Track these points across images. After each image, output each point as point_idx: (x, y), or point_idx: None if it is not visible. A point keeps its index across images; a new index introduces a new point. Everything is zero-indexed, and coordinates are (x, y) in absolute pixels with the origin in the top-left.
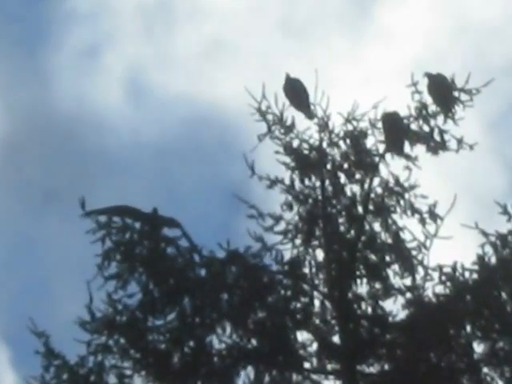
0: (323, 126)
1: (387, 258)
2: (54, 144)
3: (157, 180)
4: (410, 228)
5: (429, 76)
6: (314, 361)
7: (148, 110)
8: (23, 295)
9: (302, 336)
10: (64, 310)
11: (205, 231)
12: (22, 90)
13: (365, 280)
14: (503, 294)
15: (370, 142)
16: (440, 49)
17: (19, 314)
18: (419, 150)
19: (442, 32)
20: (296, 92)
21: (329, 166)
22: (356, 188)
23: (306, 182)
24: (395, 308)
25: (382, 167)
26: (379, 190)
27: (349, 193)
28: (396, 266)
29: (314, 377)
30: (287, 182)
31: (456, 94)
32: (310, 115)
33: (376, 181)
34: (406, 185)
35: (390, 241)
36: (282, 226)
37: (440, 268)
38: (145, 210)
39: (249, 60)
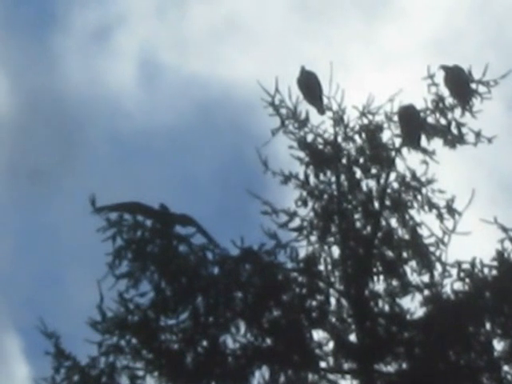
0: (338, 120)
1: (404, 255)
2: (66, 129)
3: (169, 166)
4: (428, 223)
5: (445, 68)
6: (331, 360)
7: (161, 93)
8: (35, 286)
9: (318, 335)
10: (74, 309)
11: (219, 220)
12: (33, 73)
13: (382, 277)
14: None
15: (386, 136)
16: (458, 28)
17: (31, 305)
18: (436, 143)
19: (460, 11)
20: (310, 86)
21: (344, 161)
22: (372, 183)
23: (321, 177)
24: (413, 305)
25: (398, 161)
26: (396, 185)
27: (365, 188)
28: (413, 263)
29: (331, 376)
30: (301, 177)
31: (473, 86)
32: (321, 110)
33: (392, 175)
34: (423, 179)
35: (407, 237)
36: (296, 223)
37: (458, 264)
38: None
39: (264, 41)
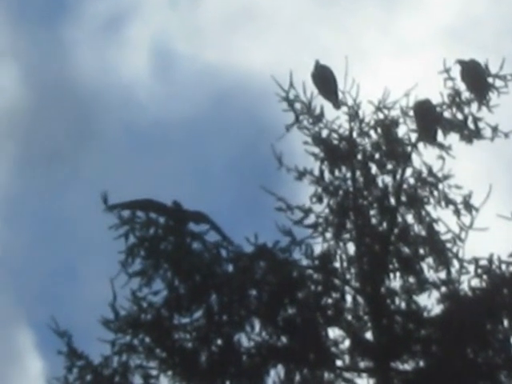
0: (353, 115)
1: (421, 251)
2: (79, 120)
3: (183, 157)
4: (445, 219)
5: (462, 63)
6: (347, 358)
7: (174, 84)
8: (49, 280)
9: (334, 333)
10: (88, 302)
11: (232, 215)
12: (46, 64)
13: (398, 274)
14: None
15: (401, 131)
16: (475, 17)
17: (44, 300)
18: (453, 138)
19: None
20: (324, 80)
21: (359, 157)
22: (388, 179)
23: (336, 173)
24: (430, 303)
25: (414, 157)
26: (412, 181)
27: (380, 184)
28: (430, 259)
29: (347, 375)
30: (316, 173)
31: (490, 80)
32: (337, 105)
33: (408, 171)
34: (440, 175)
35: (423, 233)
36: (311, 219)
37: (476, 261)
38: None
39: (278, 30)
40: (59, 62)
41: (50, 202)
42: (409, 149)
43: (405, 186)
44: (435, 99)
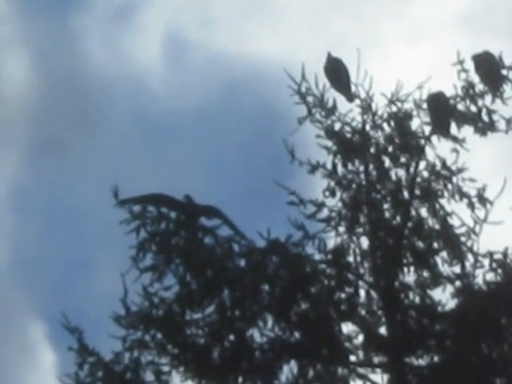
0: (366, 108)
1: (435, 245)
2: (90, 109)
3: (195, 147)
4: (459, 213)
5: (475, 57)
6: (360, 354)
7: (187, 72)
8: (60, 272)
9: (348, 328)
10: (100, 294)
11: (244, 208)
12: (56, 52)
13: (412, 268)
14: None
15: (415, 124)
16: (490, 1)
17: (56, 291)
18: (467, 131)
19: None
20: (337, 73)
21: (372, 150)
22: (401, 172)
23: (349, 166)
24: (444, 297)
25: (428, 150)
26: (425, 174)
27: (394, 177)
28: (444, 253)
29: (361, 370)
30: (329, 166)
31: (504, 72)
32: (350, 98)
33: (422, 164)
34: (454, 168)
35: (437, 227)
36: (324, 213)
37: (490, 254)
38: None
39: (292, 18)
40: (70, 50)
41: (61, 192)
42: (422, 142)
43: (418, 180)
44: (450, 86)
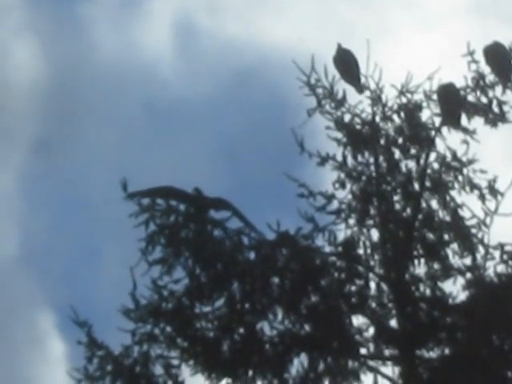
0: (376, 100)
1: (446, 237)
2: (99, 97)
3: (204, 136)
4: (469, 205)
5: (486, 48)
6: (371, 346)
7: (196, 60)
8: (70, 262)
9: (358, 320)
10: (109, 285)
11: (254, 199)
12: (65, 40)
13: (423, 260)
14: None
15: (425, 115)
16: None
17: (65, 281)
18: (477, 122)
19: None
20: (346, 64)
21: (382, 142)
22: (411, 164)
23: (359, 158)
24: (455, 289)
25: (438, 141)
26: (436, 166)
27: (404, 169)
28: (455, 245)
29: (371, 363)
30: (339, 158)
31: None
32: (359, 89)
33: (432, 156)
34: (464, 159)
35: (448, 219)
36: (334, 206)
37: (501, 246)
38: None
39: (302, 6)
40: (79, 38)
41: (71, 182)
42: (432, 133)
43: (429, 171)
44: (460, 74)
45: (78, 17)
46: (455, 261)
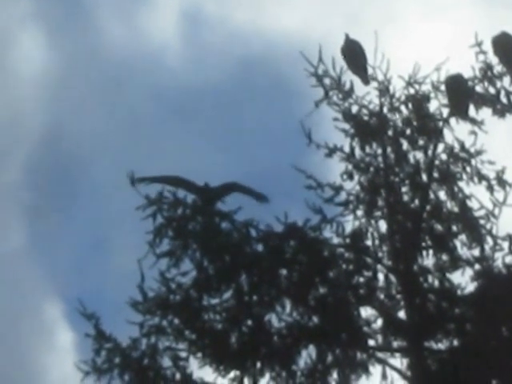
0: (384, 91)
1: (454, 228)
2: (106, 86)
3: (211, 125)
4: (478, 196)
5: (494, 38)
6: (379, 338)
7: (203, 48)
8: (79, 252)
9: (366, 312)
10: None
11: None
12: (71, 29)
13: (431, 251)
14: None
15: (433, 106)
16: None
17: (74, 271)
18: (485, 113)
19: None
20: (354, 55)
21: (390, 133)
22: (419, 155)
23: (367, 149)
24: (463, 280)
25: (446, 132)
26: (444, 157)
27: (412, 160)
28: (463, 236)
29: (380, 355)
30: (347, 149)
31: None
32: (366, 80)
33: (440, 147)
34: (472, 150)
35: (456, 210)
36: (342, 197)
37: (510, 237)
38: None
39: None
40: (86, 27)
41: (79, 171)
42: (440, 124)
43: (437, 162)
44: (468, 62)
45: (84, 5)
46: (463, 252)
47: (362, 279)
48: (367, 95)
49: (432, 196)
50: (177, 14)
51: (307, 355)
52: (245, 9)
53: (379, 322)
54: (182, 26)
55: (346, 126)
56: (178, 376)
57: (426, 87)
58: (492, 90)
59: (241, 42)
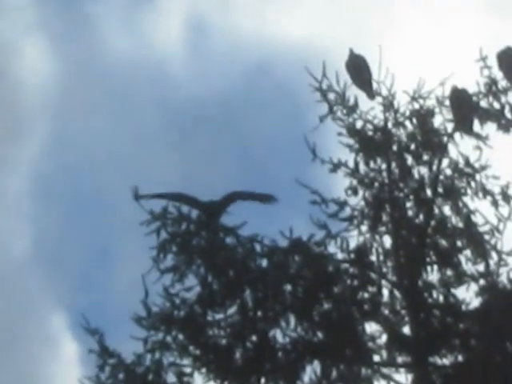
0: (388, 106)
1: (459, 243)
2: (110, 95)
3: (216, 135)
4: (482, 211)
5: (499, 53)
6: (384, 353)
7: (208, 57)
8: (83, 263)
9: (371, 327)
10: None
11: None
12: (76, 37)
13: (435, 267)
14: None
15: (437, 121)
16: None
17: (79, 283)
18: (490, 128)
19: None
20: (358, 70)
21: (395, 148)
22: (424, 170)
23: (371, 164)
24: (468, 296)
25: (450, 147)
26: (448, 172)
27: (416, 175)
28: (468, 252)
29: (384, 370)
30: (351, 165)
31: None
32: (370, 95)
33: (445, 162)
34: (477, 165)
35: (461, 225)
36: (346, 212)
37: None
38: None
39: (315, 2)
40: (91, 36)
41: (84, 180)
42: (445, 139)
43: (441, 177)
44: (473, 76)
45: (89, 15)
46: (468, 267)
47: (366, 295)
48: (372, 110)
49: (437, 211)
50: (181, 24)
51: (312, 371)
52: (250, 18)
53: (384, 338)
54: (187, 36)
55: (351, 141)
56: None
57: (430, 102)
58: (497, 105)
59: (246, 51)
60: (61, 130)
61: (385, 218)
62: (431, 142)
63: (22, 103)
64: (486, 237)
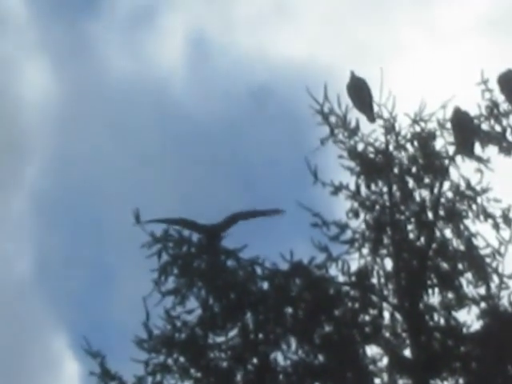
0: (389, 128)
1: (460, 266)
2: (111, 115)
3: (217, 157)
4: (484, 234)
5: (500, 76)
6: (385, 376)
7: (209, 77)
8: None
9: (372, 350)
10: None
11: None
12: (76, 57)
13: (437, 290)
14: None
15: (439, 144)
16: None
17: (80, 302)
18: (491, 151)
19: None
20: (359, 92)
21: (396, 171)
22: (425, 193)
23: (373, 187)
24: (469, 318)
25: (452, 170)
26: (450, 195)
27: (418, 198)
28: (469, 275)
29: None
30: (352, 187)
31: None
32: (371, 118)
33: (446, 185)
34: (478, 188)
35: (462, 248)
36: (347, 235)
37: None
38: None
39: (316, 21)
40: (91, 56)
41: (87, 201)
42: (446, 162)
43: (442, 200)
44: (475, 98)
45: (89, 34)
46: (469, 290)
47: (367, 317)
48: (373, 133)
49: (438, 234)
50: (183, 44)
51: None
52: (251, 36)
53: (385, 361)
54: (188, 56)
55: (352, 164)
56: None
57: (431, 125)
58: (498, 128)
59: (247, 71)
60: (62, 149)
61: (386, 240)
62: (432, 165)
63: (23, 122)
64: (488, 260)
